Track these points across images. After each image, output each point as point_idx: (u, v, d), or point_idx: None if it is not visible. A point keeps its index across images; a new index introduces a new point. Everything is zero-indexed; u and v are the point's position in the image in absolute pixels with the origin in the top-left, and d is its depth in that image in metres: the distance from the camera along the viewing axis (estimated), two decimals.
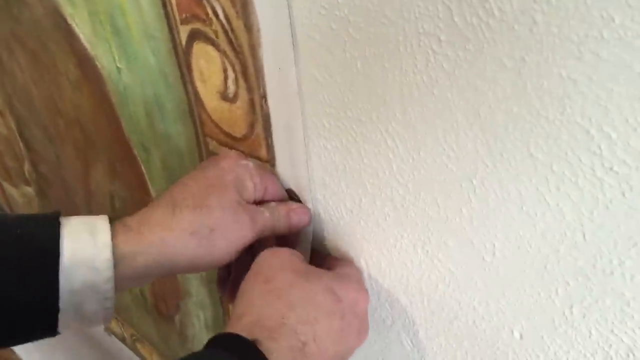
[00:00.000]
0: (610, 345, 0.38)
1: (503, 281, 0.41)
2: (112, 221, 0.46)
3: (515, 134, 0.35)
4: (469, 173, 0.39)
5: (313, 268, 0.48)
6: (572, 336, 0.40)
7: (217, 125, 0.60)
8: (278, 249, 0.49)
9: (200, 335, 1.00)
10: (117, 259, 0.44)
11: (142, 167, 0.85)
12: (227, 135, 0.60)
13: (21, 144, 1.22)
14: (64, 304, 0.42)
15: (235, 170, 0.51)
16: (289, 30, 0.44)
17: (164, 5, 0.56)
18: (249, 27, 0.47)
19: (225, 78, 0.54)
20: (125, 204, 0.99)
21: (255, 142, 0.57)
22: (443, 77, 0.36)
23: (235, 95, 0.54)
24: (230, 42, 0.50)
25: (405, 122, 0.40)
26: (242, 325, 0.41)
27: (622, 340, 0.37)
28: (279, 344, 0.39)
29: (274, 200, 0.53)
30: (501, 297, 0.42)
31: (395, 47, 0.38)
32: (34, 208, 1.32)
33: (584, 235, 0.35)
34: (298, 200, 0.55)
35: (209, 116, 0.61)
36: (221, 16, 0.49)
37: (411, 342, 0.53)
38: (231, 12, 0.48)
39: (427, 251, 0.46)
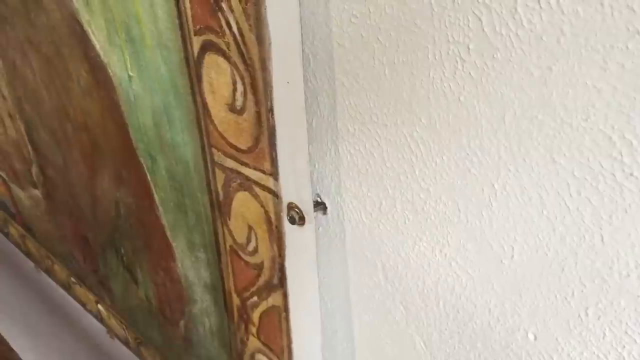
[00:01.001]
0: (624, 347, 0.39)
1: (520, 283, 0.43)
2: None
3: (539, 140, 0.37)
4: (491, 178, 0.41)
5: None
6: (587, 337, 0.41)
7: (223, 137, 0.61)
8: None
9: (204, 341, 1.01)
10: None
11: (148, 175, 0.86)
12: (233, 146, 0.61)
13: (30, 147, 1.23)
14: None
15: None
16: (299, 44, 0.46)
17: (179, 16, 0.58)
18: (261, 40, 0.49)
19: (234, 90, 0.55)
20: (129, 210, 1.00)
21: (259, 155, 0.58)
22: (470, 85, 0.38)
23: (243, 107, 0.55)
24: (242, 54, 0.52)
25: (430, 127, 0.42)
26: None
27: (636, 342, 0.38)
28: None
29: None
30: (517, 299, 0.44)
31: (424, 55, 0.40)
32: (41, 210, 1.33)
33: (602, 238, 0.37)
34: (300, 214, 0.56)
35: (215, 127, 0.62)
36: (234, 28, 0.51)
37: (424, 344, 0.54)
38: (244, 25, 0.49)
39: (445, 254, 0.47)
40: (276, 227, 0.60)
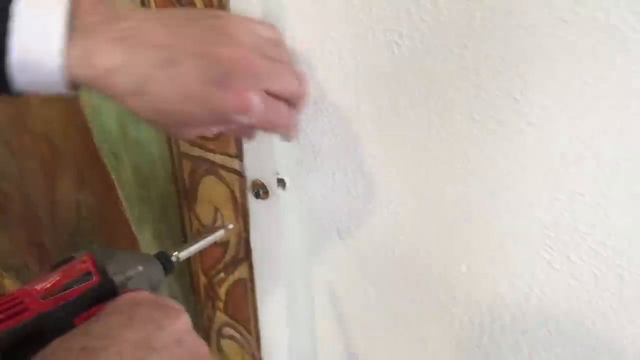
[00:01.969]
0: (536, 267, 0.49)
1: (452, 227, 0.53)
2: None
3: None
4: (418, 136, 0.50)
5: None
6: (508, 263, 0.51)
7: None
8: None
9: None
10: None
11: (112, 174, 0.92)
12: (199, 135, 0.68)
13: None
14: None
15: None
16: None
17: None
18: None
19: None
20: (91, 211, 1.05)
21: (225, 140, 0.66)
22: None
23: None
24: None
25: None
26: None
27: (547, 261, 0.49)
28: None
29: None
30: (450, 240, 0.54)
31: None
32: None
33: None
34: (264, 189, 0.64)
35: None
36: None
37: (376, 292, 0.64)
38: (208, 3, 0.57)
39: (392, 210, 0.57)
40: (242, 204, 0.69)
